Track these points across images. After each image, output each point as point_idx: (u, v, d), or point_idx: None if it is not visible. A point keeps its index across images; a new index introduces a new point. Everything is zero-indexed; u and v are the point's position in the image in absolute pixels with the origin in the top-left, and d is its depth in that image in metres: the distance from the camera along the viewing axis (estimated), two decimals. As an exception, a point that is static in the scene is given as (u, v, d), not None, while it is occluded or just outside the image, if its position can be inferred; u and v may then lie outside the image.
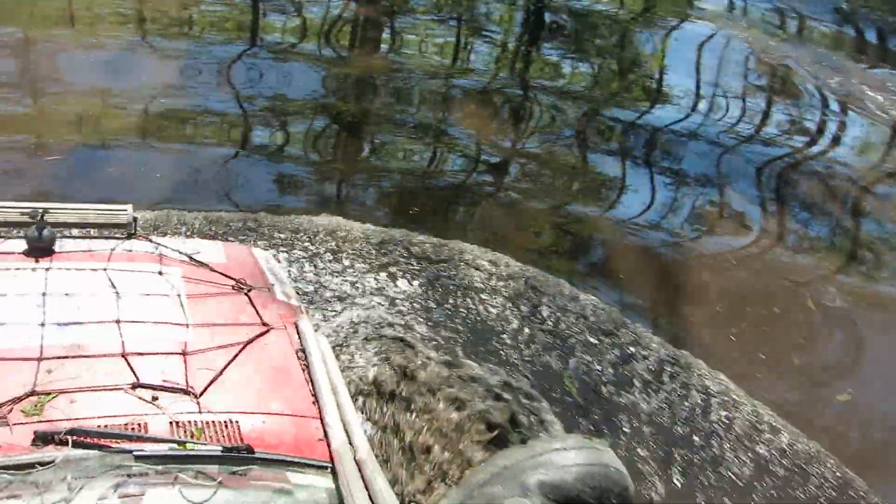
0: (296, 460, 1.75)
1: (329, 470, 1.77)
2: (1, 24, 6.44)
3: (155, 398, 1.80)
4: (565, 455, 0.94)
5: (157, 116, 5.70)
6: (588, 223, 5.37)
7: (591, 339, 4.00)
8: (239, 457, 1.66)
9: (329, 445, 1.86)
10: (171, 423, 1.75)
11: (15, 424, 1.62)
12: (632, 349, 3.96)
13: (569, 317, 4.12)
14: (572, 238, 5.30)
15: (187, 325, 2.08)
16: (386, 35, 8.32)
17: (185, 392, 1.84)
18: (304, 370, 2.09)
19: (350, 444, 1.87)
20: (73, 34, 6.67)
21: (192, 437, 1.72)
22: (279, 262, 2.79)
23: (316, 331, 2.28)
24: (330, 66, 7.24)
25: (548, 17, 9.54)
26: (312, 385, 2.03)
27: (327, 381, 2.03)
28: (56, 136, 5.14)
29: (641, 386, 3.76)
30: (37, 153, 4.94)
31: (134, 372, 1.85)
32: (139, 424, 1.71)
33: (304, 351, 2.16)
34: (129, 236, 2.52)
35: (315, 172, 5.72)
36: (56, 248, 2.28)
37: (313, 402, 1.98)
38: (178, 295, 2.21)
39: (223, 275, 2.39)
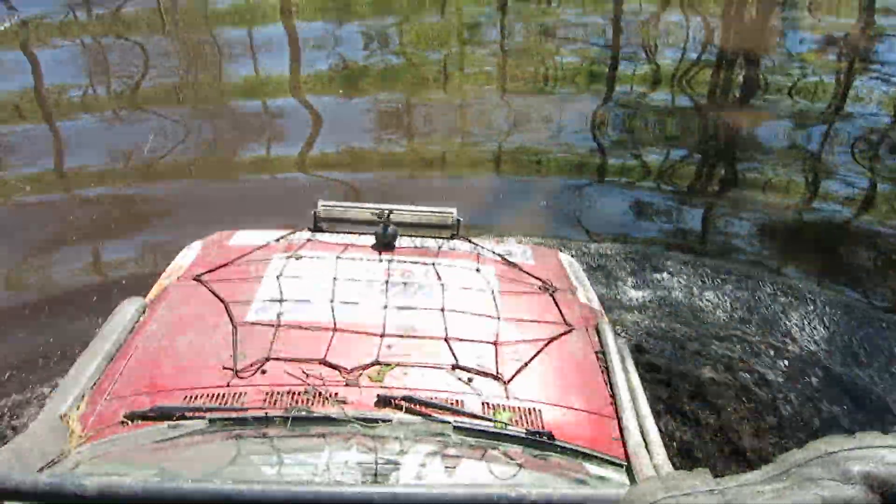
0: (593, 454, 1.84)
1: (624, 469, 1.81)
2: (389, 88, 7.97)
3: (470, 380, 2.03)
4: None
5: (511, 152, 6.49)
6: None
7: None
8: (541, 441, 1.80)
9: (625, 445, 1.91)
10: (482, 403, 1.95)
11: (363, 387, 1.96)
12: None
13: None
14: None
15: (499, 318, 2.29)
16: (749, 78, 8.15)
17: (496, 378, 2.04)
18: (602, 371, 2.17)
19: (646, 447, 1.90)
20: (444, 93, 7.86)
21: (499, 418, 1.91)
22: (581, 266, 2.90)
23: (616, 335, 2.33)
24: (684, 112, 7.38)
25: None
26: (610, 386, 2.10)
27: (625, 384, 2.08)
28: (421, 169, 6.28)
29: None
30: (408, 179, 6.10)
31: (454, 355, 2.10)
32: (457, 401, 1.94)
33: (603, 353, 2.24)
34: (452, 236, 2.84)
35: (671, 202, 5.81)
36: (396, 243, 2.67)
37: (611, 403, 2.04)
38: (492, 291, 2.44)
39: (531, 275, 2.58)
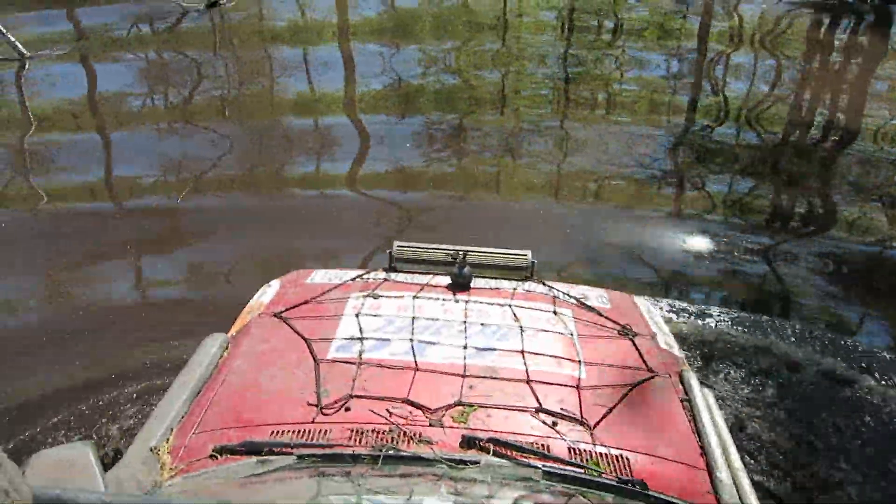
0: None
1: None
2: (446, 110, 8.17)
3: (555, 423, 1.99)
4: None
5: (566, 176, 6.52)
6: None
7: None
8: (634, 491, 1.74)
9: (718, 500, 1.83)
10: (568, 448, 1.91)
11: (447, 427, 1.94)
12: None
13: None
14: None
15: (579, 362, 2.25)
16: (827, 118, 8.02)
17: (581, 423, 2.00)
18: (689, 420, 2.11)
19: (741, 502, 1.83)
20: (501, 118, 7.99)
21: (588, 464, 1.86)
22: (659, 311, 2.85)
23: (701, 383, 2.27)
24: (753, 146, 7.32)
25: None
26: (699, 436, 2.03)
27: (715, 435, 2.02)
28: (476, 190, 6.34)
29: None
30: (456, 203, 6.13)
31: (537, 398, 2.07)
32: (543, 445, 1.90)
33: (689, 401, 2.18)
34: (526, 278, 2.83)
35: (743, 235, 5.65)
36: (472, 284, 2.67)
37: (701, 454, 1.98)
38: (571, 334, 2.41)
39: (609, 319, 2.54)
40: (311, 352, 2.24)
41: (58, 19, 11.35)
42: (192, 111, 8.05)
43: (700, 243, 5.41)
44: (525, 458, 1.83)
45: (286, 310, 2.50)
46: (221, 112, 8.11)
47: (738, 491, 1.84)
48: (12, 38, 8.95)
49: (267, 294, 2.73)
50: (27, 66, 9.05)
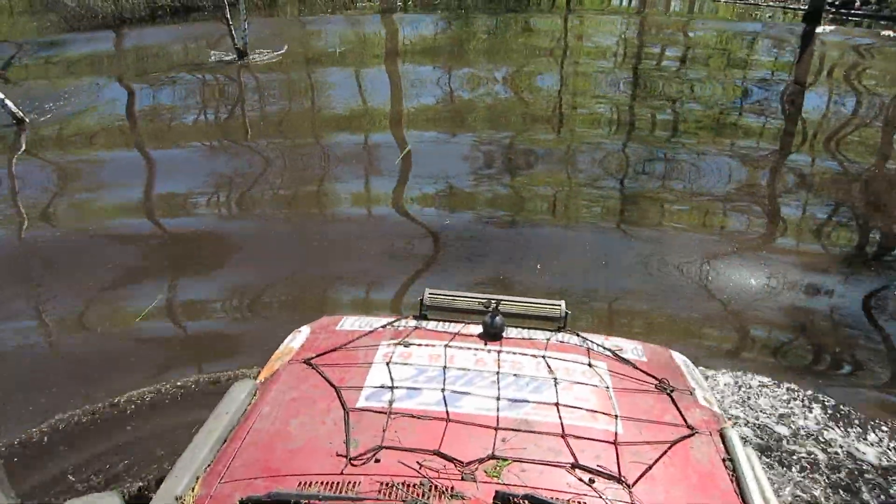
0: None
1: None
2: (501, 128, 8.39)
3: (592, 480, 1.92)
4: None
5: (629, 199, 6.54)
6: None
7: None
8: None
9: None
10: None
11: (480, 482, 1.87)
12: None
13: None
14: None
15: (616, 417, 2.18)
16: None
17: (619, 480, 1.92)
18: (732, 480, 2.02)
19: None
20: (556, 138, 8.09)
21: None
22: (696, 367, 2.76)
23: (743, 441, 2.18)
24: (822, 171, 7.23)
25: None
26: (742, 497, 1.94)
27: (760, 495, 1.92)
28: (528, 213, 6.44)
29: None
30: (510, 225, 6.17)
31: (573, 453, 2.00)
32: (580, 503, 1.83)
33: (731, 460, 2.09)
34: (559, 329, 2.78)
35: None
36: (504, 334, 2.63)
37: None
38: (607, 387, 2.34)
39: (646, 373, 2.47)
40: (341, 400, 2.20)
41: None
42: (242, 128, 8.47)
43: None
44: None
45: (316, 356, 2.47)
46: (274, 131, 8.54)
47: None
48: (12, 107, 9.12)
49: (297, 340, 2.70)
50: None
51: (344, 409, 2.15)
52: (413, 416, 2.12)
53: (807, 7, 14.62)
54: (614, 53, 11.91)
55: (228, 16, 11.94)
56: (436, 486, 1.83)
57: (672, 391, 2.37)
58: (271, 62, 12.17)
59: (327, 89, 11.13)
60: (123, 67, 12.31)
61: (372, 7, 17.03)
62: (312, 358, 2.47)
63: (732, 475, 2.03)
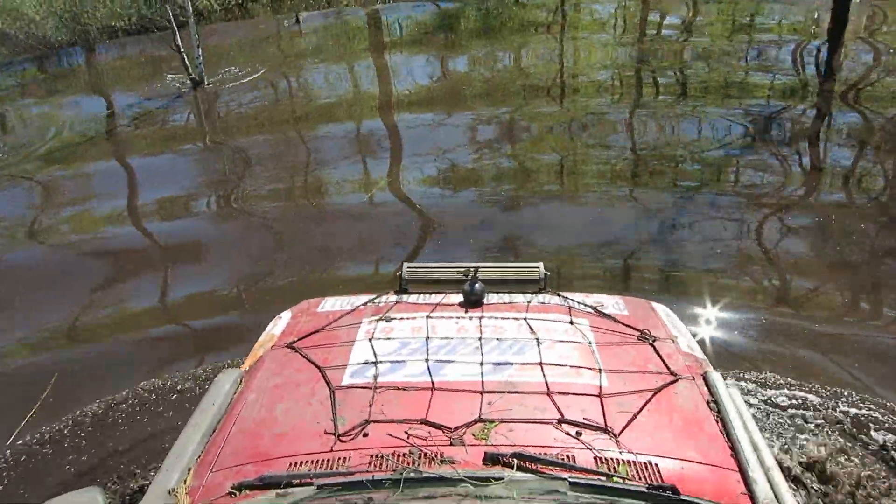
0: None
1: None
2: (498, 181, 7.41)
3: (579, 433, 1.94)
4: None
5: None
6: None
7: None
8: (666, 497, 1.68)
9: (754, 501, 1.77)
10: (594, 457, 1.85)
11: (469, 445, 1.89)
12: None
13: None
14: None
15: (600, 370, 2.20)
16: None
17: (605, 431, 1.94)
18: (717, 422, 2.05)
19: (777, 501, 1.76)
20: (560, 186, 7.39)
21: (615, 472, 1.80)
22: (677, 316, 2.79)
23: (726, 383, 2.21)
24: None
25: None
26: (728, 437, 1.97)
27: (746, 435, 1.95)
28: None
29: None
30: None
31: (559, 409, 2.02)
32: (568, 456, 1.85)
33: (715, 402, 2.11)
34: (539, 291, 2.79)
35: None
36: (485, 300, 2.63)
37: (731, 455, 1.91)
38: (589, 342, 2.36)
39: (627, 325, 2.49)
40: (326, 380, 2.20)
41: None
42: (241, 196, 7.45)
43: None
44: (551, 470, 1.78)
45: (298, 340, 2.47)
46: (273, 196, 7.42)
47: (773, 489, 1.78)
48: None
49: (278, 325, 2.70)
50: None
51: (329, 388, 2.15)
52: (398, 389, 2.13)
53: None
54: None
55: (179, 42, 10.47)
56: (425, 454, 1.85)
57: (654, 340, 2.40)
58: (238, 88, 10.64)
59: (311, 134, 9.20)
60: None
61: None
62: (295, 342, 2.47)
63: (717, 417, 2.06)
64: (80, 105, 11.50)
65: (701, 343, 4.09)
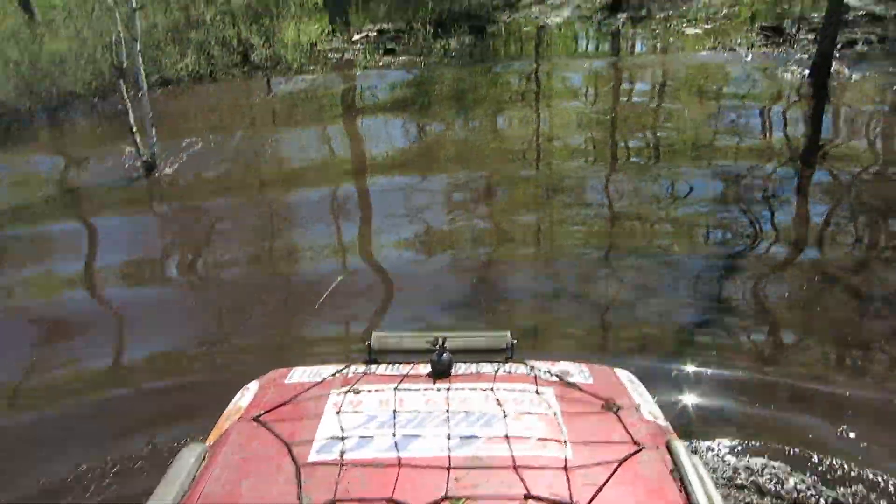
0: None
1: None
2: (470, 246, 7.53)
3: None
4: None
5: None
6: None
7: None
8: None
9: None
10: None
11: None
12: None
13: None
14: None
15: (565, 442, 2.22)
16: None
17: None
18: (680, 491, 2.07)
19: None
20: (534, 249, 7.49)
21: None
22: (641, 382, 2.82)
23: (690, 452, 2.23)
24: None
25: None
26: None
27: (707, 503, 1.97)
28: None
29: None
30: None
31: (525, 484, 2.03)
32: None
33: (678, 471, 2.14)
34: (507, 360, 2.82)
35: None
36: (452, 370, 2.65)
37: None
38: (555, 413, 2.38)
39: (592, 394, 2.52)
40: (292, 456, 2.19)
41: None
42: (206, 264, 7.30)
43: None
44: None
45: (265, 412, 2.46)
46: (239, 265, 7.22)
47: None
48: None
49: (245, 397, 2.69)
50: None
51: (295, 465, 2.14)
52: (365, 466, 2.12)
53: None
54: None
55: (132, 121, 9.30)
56: None
57: (618, 409, 2.43)
58: (198, 164, 9.52)
59: (280, 202, 8.52)
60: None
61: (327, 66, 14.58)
62: (262, 414, 2.45)
63: (681, 486, 2.08)
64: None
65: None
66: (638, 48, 15.11)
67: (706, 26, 15.18)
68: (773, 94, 11.36)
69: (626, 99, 11.83)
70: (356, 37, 16.06)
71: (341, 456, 2.17)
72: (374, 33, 16.30)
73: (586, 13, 17.08)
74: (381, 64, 14.31)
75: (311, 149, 10.85)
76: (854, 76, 11.44)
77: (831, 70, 11.37)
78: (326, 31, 16.15)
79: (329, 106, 12.76)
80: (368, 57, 14.62)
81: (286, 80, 13.67)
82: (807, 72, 11.65)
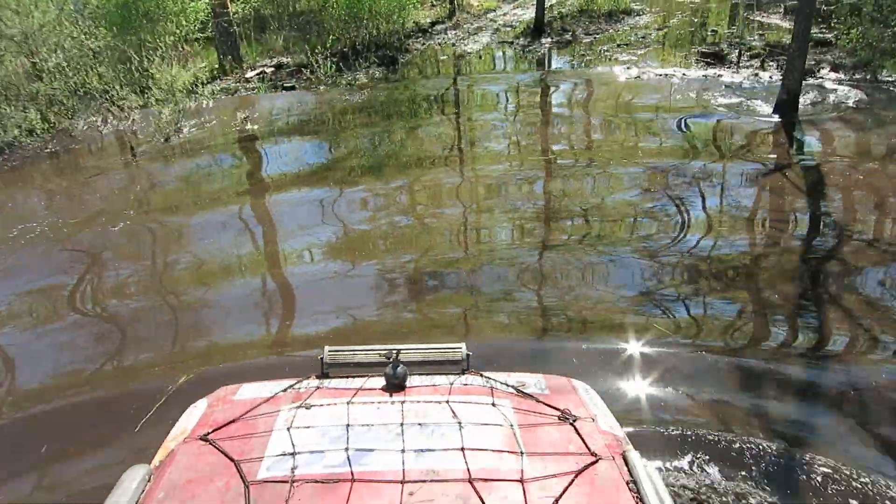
0: None
1: None
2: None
3: None
4: None
5: None
6: None
7: None
8: None
9: None
10: None
11: None
12: None
13: None
14: None
15: (521, 454, 2.20)
16: None
17: None
18: (636, 501, 2.06)
19: None
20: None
21: None
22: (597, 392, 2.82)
23: (644, 462, 2.24)
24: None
25: None
26: None
27: None
28: None
29: None
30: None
31: (480, 497, 2.00)
32: None
33: (634, 482, 2.14)
34: (463, 371, 2.79)
35: None
36: (407, 383, 2.61)
37: None
38: (511, 425, 2.36)
39: (548, 405, 2.51)
40: (241, 474, 2.12)
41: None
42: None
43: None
44: None
45: (212, 431, 2.38)
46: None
47: None
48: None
49: (193, 416, 2.59)
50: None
51: (244, 484, 2.07)
52: (316, 482, 2.06)
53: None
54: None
55: None
56: None
57: (574, 420, 2.42)
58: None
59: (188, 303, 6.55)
60: None
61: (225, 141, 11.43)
62: (209, 433, 2.37)
63: (637, 497, 2.08)
64: None
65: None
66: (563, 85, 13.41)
67: (638, 52, 14.96)
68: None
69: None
70: (250, 73, 14.85)
71: (292, 472, 2.10)
72: (271, 69, 15.14)
73: (507, 38, 16.79)
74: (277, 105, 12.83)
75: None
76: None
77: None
78: (214, 68, 14.86)
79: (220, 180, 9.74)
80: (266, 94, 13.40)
81: (160, 136, 11.17)
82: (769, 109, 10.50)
